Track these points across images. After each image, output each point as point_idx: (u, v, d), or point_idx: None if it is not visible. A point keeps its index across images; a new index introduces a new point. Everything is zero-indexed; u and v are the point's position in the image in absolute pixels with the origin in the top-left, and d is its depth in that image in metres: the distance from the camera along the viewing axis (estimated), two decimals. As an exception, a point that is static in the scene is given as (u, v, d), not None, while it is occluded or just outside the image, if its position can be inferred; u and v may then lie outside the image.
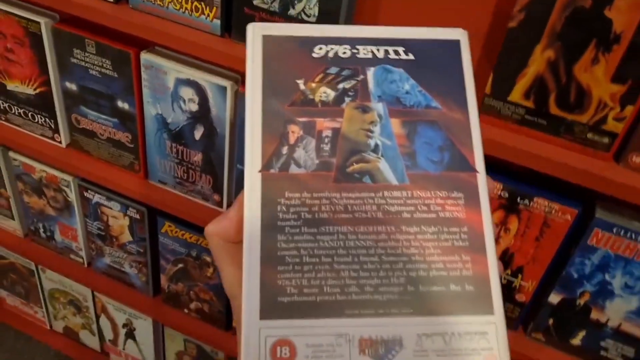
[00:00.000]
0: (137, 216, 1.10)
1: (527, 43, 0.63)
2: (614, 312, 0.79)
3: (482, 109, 0.70)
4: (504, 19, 0.65)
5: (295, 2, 0.72)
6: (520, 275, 0.82)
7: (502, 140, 0.69)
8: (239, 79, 0.86)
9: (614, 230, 0.72)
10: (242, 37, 0.79)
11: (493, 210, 0.76)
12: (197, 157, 0.94)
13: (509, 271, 0.82)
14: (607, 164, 0.68)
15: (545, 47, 0.63)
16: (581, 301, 0.80)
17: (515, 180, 0.76)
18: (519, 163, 0.69)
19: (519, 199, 0.75)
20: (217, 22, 0.78)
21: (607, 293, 0.78)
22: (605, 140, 0.66)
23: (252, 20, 0.77)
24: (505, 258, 0.81)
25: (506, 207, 0.77)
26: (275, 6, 0.73)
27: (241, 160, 0.91)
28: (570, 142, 0.68)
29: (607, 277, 0.76)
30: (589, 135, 0.67)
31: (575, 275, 0.78)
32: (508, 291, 0.84)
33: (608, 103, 0.64)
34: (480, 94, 0.70)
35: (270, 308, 0.31)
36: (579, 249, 0.76)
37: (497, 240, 0.78)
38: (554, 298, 0.82)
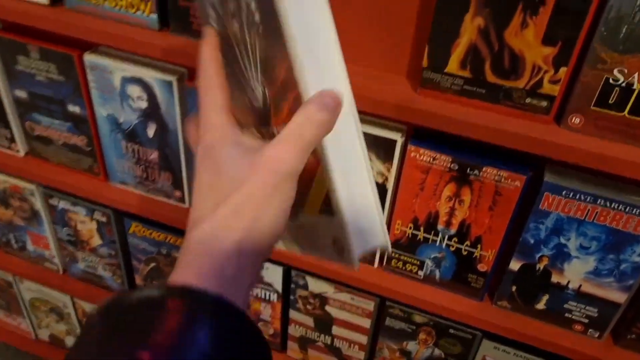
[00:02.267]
0: (104, 219, 1.09)
1: (456, 12, 0.63)
2: (573, 274, 0.80)
3: (422, 82, 0.70)
4: (431, -9, 0.64)
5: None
6: (479, 246, 0.82)
7: (444, 113, 0.69)
8: (185, 73, 0.85)
9: (564, 192, 0.73)
10: (180, 30, 0.78)
11: (445, 183, 0.77)
12: (154, 155, 0.94)
13: (468, 242, 0.82)
14: (548, 127, 0.68)
15: (474, 14, 0.63)
16: (540, 265, 0.81)
17: (463, 152, 0.76)
18: (463, 134, 0.69)
19: (468, 170, 0.76)
20: (154, 16, 0.78)
21: (565, 255, 0.78)
22: (544, 103, 0.67)
23: (187, 12, 0.76)
24: (463, 230, 0.81)
25: (457, 178, 0.77)
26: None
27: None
28: (510, 108, 0.68)
29: (562, 239, 0.77)
30: (528, 100, 0.67)
31: (532, 241, 0.79)
32: (470, 262, 0.85)
33: (542, 66, 0.64)
34: (419, 67, 0.70)
35: None
36: (532, 215, 0.76)
37: (452, 211, 0.78)
38: (514, 265, 0.83)
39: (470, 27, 0.64)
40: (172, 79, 0.83)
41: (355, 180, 0.40)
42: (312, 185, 0.42)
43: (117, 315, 0.31)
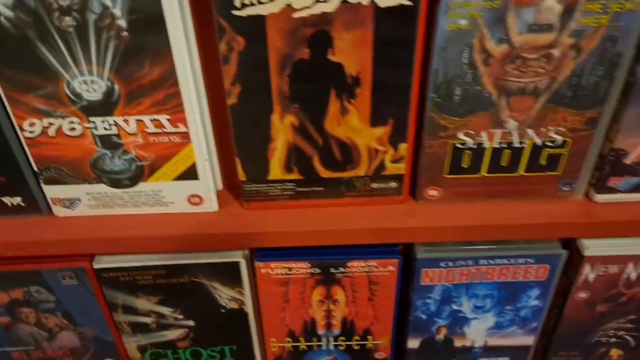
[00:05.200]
0: None
1: (260, 116, 0.49)
2: (475, 334, 0.71)
3: (245, 197, 0.56)
4: (221, 98, 0.50)
5: None
6: (370, 337, 0.70)
7: (283, 225, 0.55)
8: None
9: (441, 264, 0.63)
10: None
11: (311, 289, 0.63)
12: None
13: (357, 337, 0.70)
14: (404, 206, 0.57)
15: (282, 114, 0.49)
16: (440, 336, 0.71)
17: (321, 252, 0.63)
18: (317, 243, 0.56)
19: (332, 270, 0.63)
20: None
21: (462, 320, 0.69)
22: (393, 184, 0.55)
23: None
24: (347, 327, 0.69)
25: (323, 281, 0.64)
26: None
27: None
28: (357, 198, 0.56)
29: (454, 306, 0.68)
30: (374, 186, 0.55)
31: (424, 317, 0.69)
32: (365, 354, 0.73)
33: (379, 148, 0.52)
34: (238, 183, 0.55)
35: None
36: (416, 293, 0.66)
37: (329, 313, 0.65)
38: (413, 343, 0.72)
39: (283, 128, 0.50)
40: None
41: None
42: None
43: None
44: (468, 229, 0.55)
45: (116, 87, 0.47)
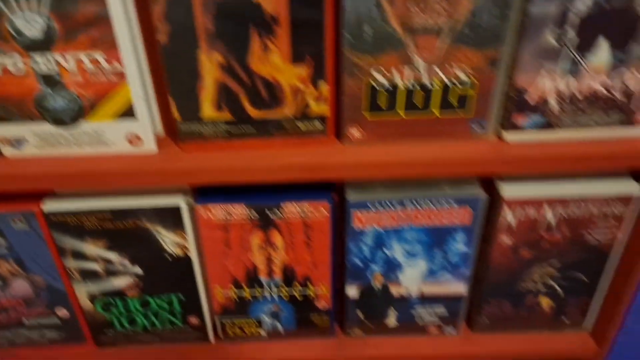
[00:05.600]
0: None
1: (187, 53, 0.54)
2: (410, 282, 0.75)
3: (181, 137, 0.60)
4: (155, 39, 0.54)
5: None
6: (310, 285, 0.74)
7: (218, 164, 0.60)
8: None
9: (370, 207, 0.67)
10: None
11: (250, 234, 0.67)
12: None
13: (297, 286, 0.74)
14: (330, 148, 0.61)
15: (208, 51, 0.54)
16: (377, 284, 0.75)
17: (257, 195, 0.67)
18: (249, 180, 0.60)
19: (268, 213, 0.67)
20: None
21: (395, 267, 0.73)
22: (318, 125, 0.60)
23: None
24: (287, 275, 0.73)
25: (261, 225, 0.68)
26: None
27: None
28: (287, 138, 0.61)
29: (387, 252, 0.72)
30: (301, 126, 0.60)
31: (359, 263, 0.73)
32: (308, 304, 0.77)
33: (300, 87, 0.57)
34: (173, 123, 0.59)
35: None
36: (349, 237, 0.70)
37: (270, 259, 0.69)
38: (352, 291, 0.76)
39: (210, 65, 0.55)
40: None
41: None
42: None
43: None
44: (390, 165, 0.59)
45: (54, 24, 0.51)
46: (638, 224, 0.70)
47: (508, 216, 0.69)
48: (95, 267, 0.71)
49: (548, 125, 0.60)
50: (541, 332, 0.82)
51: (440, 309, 0.79)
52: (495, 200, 0.69)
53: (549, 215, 0.69)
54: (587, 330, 0.82)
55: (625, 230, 0.71)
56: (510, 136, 0.61)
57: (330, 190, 0.68)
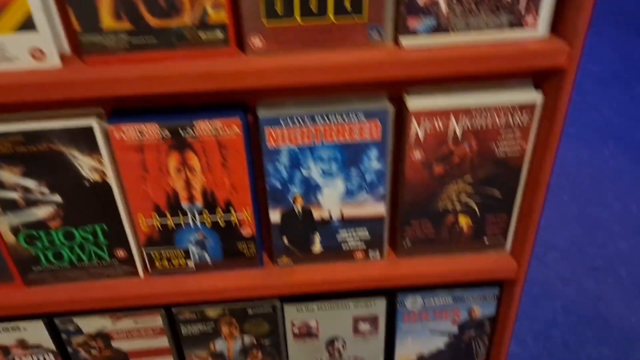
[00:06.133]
0: None
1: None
2: (330, 204, 0.77)
3: (84, 50, 0.61)
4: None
5: None
6: (232, 210, 0.76)
7: (122, 76, 0.61)
8: None
9: (282, 123, 0.69)
10: None
11: (166, 156, 0.68)
12: None
13: (220, 211, 0.76)
14: (233, 59, 0.63)
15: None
16: (298, 207, 0.77)
17: (170, 113, 0.68)
18: (154, 91, 0.62)
19: (181, 132, 0.68)
20: None
21: (314, 188, 0.75)
22: (219, 34, 0.62)
23: None
24: (208, 199, 0.74)
25: (176, 145, 0.69)
26: None
27: None
28: (190, 49, 0.62)
29: (304, 172, 0.74)
30: (202, 36, 0.61)
31: (278, 184, 0.75)
32: (232, 231, 0.78)
33: (197, -7, 0.58)
34: (76, 37, 0.60)
35: None
36: (265, 156, 0.72)
37: (189, 183, 0.70)
38: (275, 216, 0.78)
39: (104, -30, 0.56)
40: None
41: None
42: None
43: None
44: (291, 72, 0.61)
45: None
46: (541, 135, 0.72)
47: (416, 129, 0.71)
48: (14, 196, 0.71)
49: (441, 28, 0.63)
50: (464, 254, 0.85)
51: (363, 233, 0.81)
52: (402, 114, 0.71)
53: (455, 126, 0.71)
54: (509, 251, 0.85)
55: (531, 141, 0.74)
56: (406, 41, 0.63)
57: (239, 107, 0.69)
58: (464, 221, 0.81)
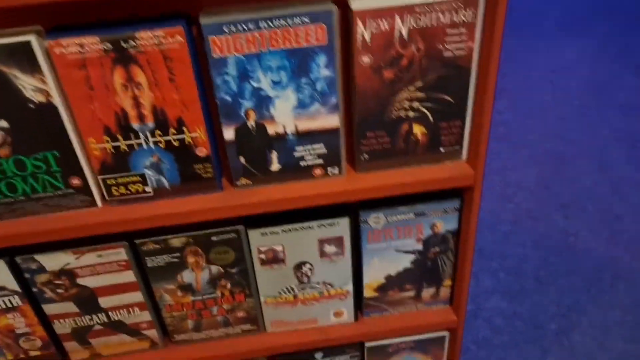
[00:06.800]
0: None
1: None
2: (283, 117, 0.77)
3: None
4: None
5: None
6: (185, 129, 0.75)
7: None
8: None
9: (225, 29, 0.69)
10: None
11: (111, 72, 0.67)
12: None
13: (172, 130, 0.75)
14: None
15: None
16: (251, 122, 0.77)
17: (110, 26, 0.67)
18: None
19: (124, 44, 0.67)
20: None
21: (265, 100, 0.75)
22: None
23: None
24: (159, 118, 0.74)
25: (119, 59, 0.68)
26: None
27: None
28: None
29: (254, 83, 0.73)
30: None
31: (228, 98, 0.74)
32: (187, 153, 0.77)
33: None
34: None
35: None
36: (212, 67, 0.71)
37: (137, 101, 0.69)
38: (228, 133, 0.78)
39: None
40: None
41: None
42: None
43: None
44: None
45: None
46: (487, 34, 0.73)
47: (362, 31, 0.71)
48: (-43, 123, 0.70)
49: None
50: (421, 165, 0.85)
51: (320, 148, 0.81)
52: (347, 16, 0.71)
53: (401, 26, 0.72)
54: (465, 160, 0.86)
55: (478, 41, 0.74)
56: None
57: (180, 16, 0.68)
58: (418, 129, 0.82)
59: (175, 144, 0.76)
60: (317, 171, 0.83)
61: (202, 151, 0.78)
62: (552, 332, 1.63)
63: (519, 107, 2.54)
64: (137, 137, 0.75)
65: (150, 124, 0.74)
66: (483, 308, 1.69)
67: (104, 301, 0.92)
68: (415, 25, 0.72)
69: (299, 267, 0.95)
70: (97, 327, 0.95)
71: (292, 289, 0.97)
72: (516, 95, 2.58)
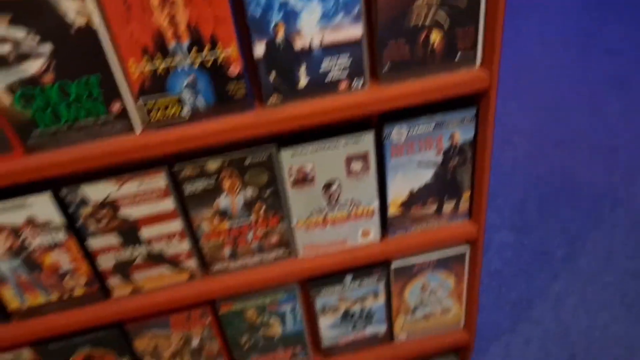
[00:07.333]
0: None
1: None
2: (309, 30, 0.81)
3: None
4: None
5: None
6: (218, 45, 0.79)
7: None
8: None
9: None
10: None
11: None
12: None
13: (207, 48, 0.79)
14: None
15: None
16: (280, 37, 0.81)
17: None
18: None
19: (160, -40, 0.71)
20: None
21: (292, 14, 0.79)
22: None
23: None
24: (194, 35, 0.77)
25: (156, -24, 0.72)
26: None
27: None
28: None
29: (281, -4, 0.77)
30: None
31: (259, 11, 0.78)
32: (221, 71, 0.81)
33: None
34: None
35: None
36: (243, -19, 0.75)
37: (173, 19, 0.73)
38: (259, 49, 0.81)
39: None
40: None
41: None
42: None
43: None
44: None
45: None
46: None
47: (381, -64, 0.75)
48: (4, 50, 0.73)
49: None
50: (439, 74, 0.90)
51: (344, 60, 0.85)
52: None
53: None
54: (478, 66, 0.91)
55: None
56: None
57: None
58: (436, 36, 0.87)
59: (209, 62, 0.80)
60: (343, 85, 0.88)
61: (234, 70, 0.82)
62: (559, 259, 1.70)
63: (509, 58, 2.60)
64: (174, 56, 0.78)
65: (186, 42, 0.78)
66: (492, 242, 1.75)
67: (144, 231, 0.96)
68: None
69: (327, 186, 0.99)
70: (139, 260, 0.99)
71: (322, 210, 1.01)
72: (505, 48, 2.65)
